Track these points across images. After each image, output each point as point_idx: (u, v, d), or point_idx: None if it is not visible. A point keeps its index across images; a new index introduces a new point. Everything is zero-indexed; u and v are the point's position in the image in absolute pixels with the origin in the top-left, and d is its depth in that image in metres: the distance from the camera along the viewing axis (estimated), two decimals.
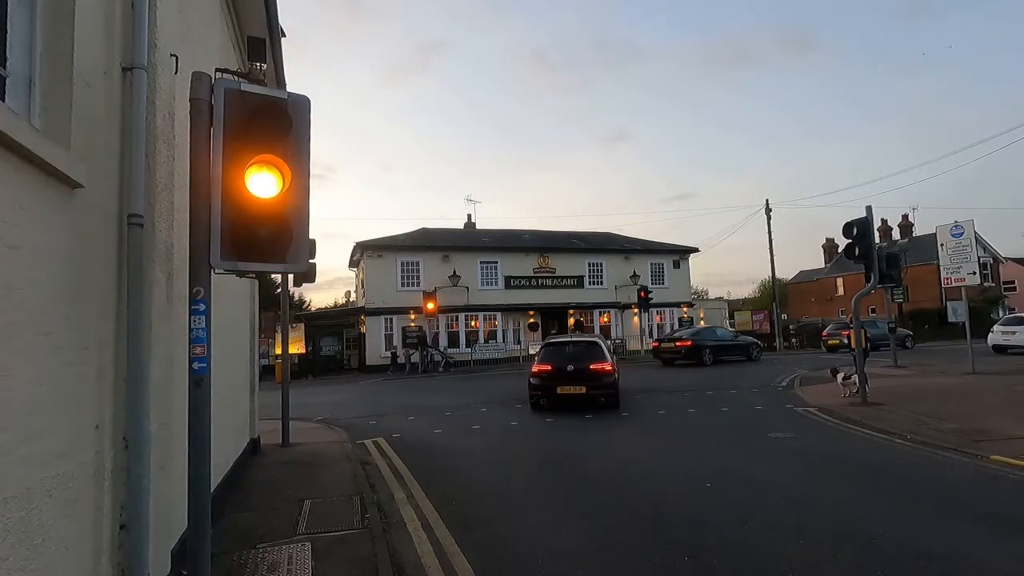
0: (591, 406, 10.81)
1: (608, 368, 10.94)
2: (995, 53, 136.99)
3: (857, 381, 10.28)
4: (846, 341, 23.04)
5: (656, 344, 22.22)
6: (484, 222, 46.12)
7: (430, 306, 23.67)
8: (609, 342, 15.25)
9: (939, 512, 4.62)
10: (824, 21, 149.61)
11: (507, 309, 27.06)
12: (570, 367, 10.93)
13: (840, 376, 10.78)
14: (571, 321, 28.50)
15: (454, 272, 25.74)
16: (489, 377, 19.80)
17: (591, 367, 10.88)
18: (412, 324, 24.85)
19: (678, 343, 20.51)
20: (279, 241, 2.68)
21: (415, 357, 22.87)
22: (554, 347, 11.77)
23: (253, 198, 2.64)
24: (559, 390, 10.91)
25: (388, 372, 23.05)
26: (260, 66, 6.91)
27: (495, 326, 26.98)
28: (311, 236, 3.26)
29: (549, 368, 11.10)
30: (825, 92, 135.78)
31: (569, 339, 12.55)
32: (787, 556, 3.78)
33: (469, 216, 33.71)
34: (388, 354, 24.22)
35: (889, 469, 5.97)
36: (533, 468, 6.56)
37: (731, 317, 37.15)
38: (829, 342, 24.95)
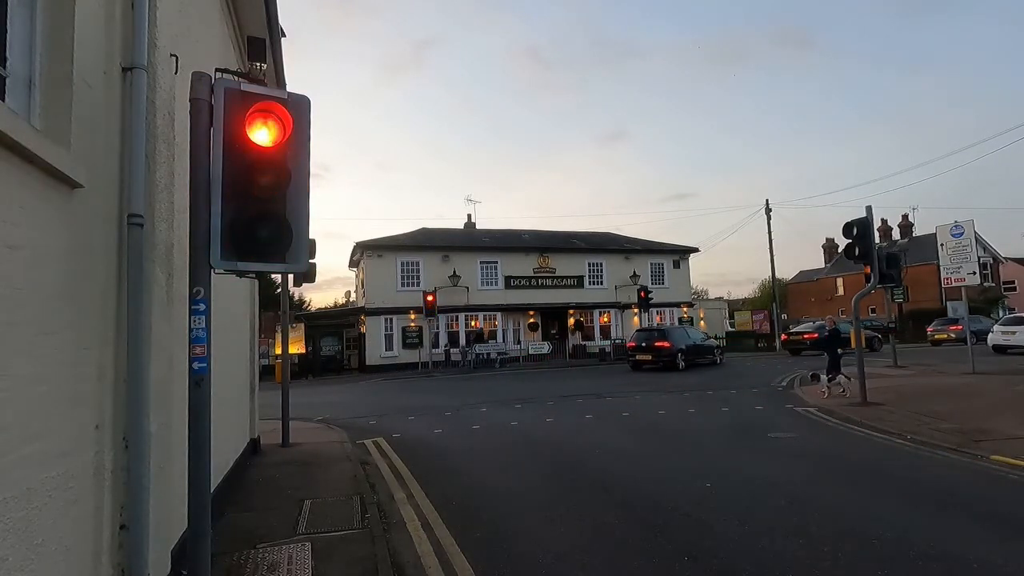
0: (592, 402, 10.87)
1: (667, 344, 18.95)
2: (995, 53, 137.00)
3: (841, 383, 10.67)
4: (952, 335, 24.20)
5: (785, 337, 26.18)
6: (484, 222, 46.13)
7: (429, 301, 23.65)
8: (701, 331, 23.68)
9: (939, 512, 4.62)
10: (823, 20, 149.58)
11: (507, 309, 27.07)
12: (644, 343, 19.50)
13: (825, 378, 10.90)
14: (571, 321, 28.50)
15: (454, 272, 25.75)
16: (489, 377, 19.82)
17: (656, 344, 19.18)
18: (412, 324, 24.85)
19: (805, 335, 24.13)
20: (279, 241, 2.68)
21: (470, 355, 24.07)
22: (638, 332, 21.17)
23: (253, 198, 2.64)
24: (638, 357, 19.52)
25: (440, 367, 23.69)
26: (260, 66, 6.92)
27: (495, 326, 26.98)
28: (311, 236, 3.26)
29: (633, 344, 20.12)
30: (825, 91, 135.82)
31: (648, 328, 22.63)
32: (787, 556, 3.78)
33: (469, 216, 33.77)
34: (442, 351, 24.89)
35: (889, 469, 5.97)
36: (533, 468, 6.56)
37: (731, 317, 37.16)
38: (936, 336, 26.48)
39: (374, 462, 7.11)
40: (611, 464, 6.56)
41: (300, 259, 2.82)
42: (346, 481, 6.00)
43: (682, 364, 18.97)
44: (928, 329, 27.73)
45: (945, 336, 25.66)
